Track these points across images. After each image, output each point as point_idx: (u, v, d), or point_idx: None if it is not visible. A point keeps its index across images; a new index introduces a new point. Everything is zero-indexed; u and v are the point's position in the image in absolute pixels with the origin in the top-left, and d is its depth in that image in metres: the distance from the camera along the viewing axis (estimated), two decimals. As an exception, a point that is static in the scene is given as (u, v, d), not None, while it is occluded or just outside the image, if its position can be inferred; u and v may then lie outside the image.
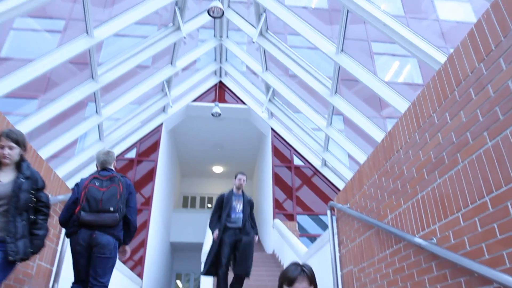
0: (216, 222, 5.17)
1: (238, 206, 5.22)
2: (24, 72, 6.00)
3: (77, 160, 8.92)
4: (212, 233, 5.15)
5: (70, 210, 3.08)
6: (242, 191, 5.41)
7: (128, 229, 3.18)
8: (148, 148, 11.22)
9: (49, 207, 2.83)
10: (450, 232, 2.25)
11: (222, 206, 5.23)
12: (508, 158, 1.85)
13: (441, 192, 2.37)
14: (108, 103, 8.66)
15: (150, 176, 10.71)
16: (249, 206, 5.33)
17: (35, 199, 2.71)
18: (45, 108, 7.02)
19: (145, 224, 9.85)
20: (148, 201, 10.20)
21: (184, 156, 15.55)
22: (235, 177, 5.43)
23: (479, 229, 2.01)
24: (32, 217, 2.69)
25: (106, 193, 3.02)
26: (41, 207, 2.75)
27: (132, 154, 10.97)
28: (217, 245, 4.97)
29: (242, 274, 4.97)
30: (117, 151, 10.43)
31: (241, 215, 5.19)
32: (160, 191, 11.30)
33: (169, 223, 13.77)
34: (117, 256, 3.14)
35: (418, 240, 2.48)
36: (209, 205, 17.58)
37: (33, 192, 2.69)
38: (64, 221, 3.10)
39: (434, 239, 2.39)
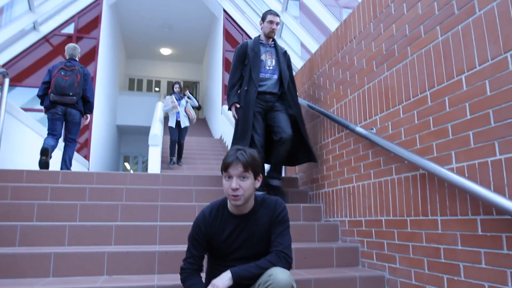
0: (236, 88, 3.51)
1: (269, 61, 3.54)
2: None
3: (5, 33, 7.95)
4: (229, 107, 3.51)
5: (43, 88, 4.53)
6: (274, 41, 3.67)
7: (87, 104, 4.74)
8: (88, 24, 10.21)
9: None
10: (390, 123, 2.37)
11: (244, 61, 3.54)
12: (454, 54, 1.88)
13: (387, 85, 2.43)
14: (36, -34, 7.50)
15: (91, 55, 9.96)
16: (286, 61, 3.63)
17: None
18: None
19: (89, 105, 9.48)
20: (91, 82, 9.66)
21: (129, 36, 14.47)
22: (263, 19, 3.58)
23: (416, 121, 2.13)
24: None
25: (67, 81, 4.45)
26: None
27: (70, 30, 9.97)
28: (245, 120, 3.34)
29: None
30: (52, 25, 9.40)
31: (276, 75, 3.52)
32: (104, 72, 10.70)
33: (115, 106, 13.39)
34: (81, 122, 4.75)
35: (359, 129, 2.61)
36: (157, 89, 17.14)
37: None
38: (40, 95, 4.55)
39: (374, 129, 2.53)
